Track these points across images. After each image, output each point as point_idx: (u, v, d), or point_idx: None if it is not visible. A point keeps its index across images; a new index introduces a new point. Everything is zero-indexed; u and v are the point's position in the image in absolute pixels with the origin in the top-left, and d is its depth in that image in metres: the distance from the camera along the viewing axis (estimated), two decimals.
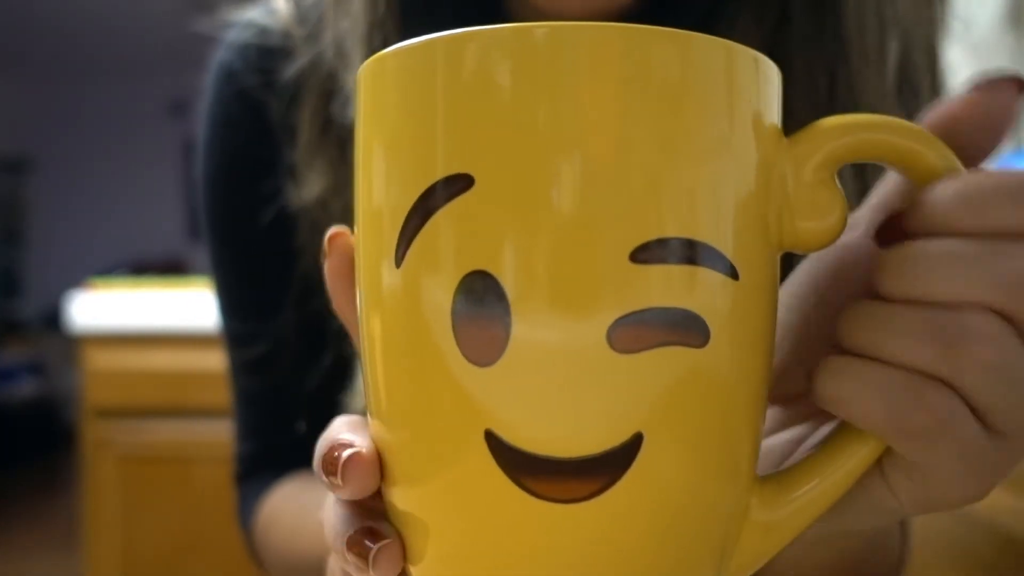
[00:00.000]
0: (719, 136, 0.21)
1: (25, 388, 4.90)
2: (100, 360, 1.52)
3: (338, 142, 0.48)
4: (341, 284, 0.26)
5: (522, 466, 0.21)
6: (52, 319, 4.75)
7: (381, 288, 0.22)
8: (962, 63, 1.64)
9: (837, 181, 0.23)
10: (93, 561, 1.53)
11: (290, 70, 0.48)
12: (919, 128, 0.23)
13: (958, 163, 0.23)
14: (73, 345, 1.57)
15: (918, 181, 0.23)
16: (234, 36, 0.52)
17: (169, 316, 1.52)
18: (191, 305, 1.51)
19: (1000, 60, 1.52)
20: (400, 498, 0.23)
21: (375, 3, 0.43)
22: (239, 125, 0.51)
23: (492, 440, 0.21)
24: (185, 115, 5.86)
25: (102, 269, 3.86)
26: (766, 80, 0.22)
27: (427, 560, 0.23)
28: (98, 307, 1.52)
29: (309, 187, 0.47)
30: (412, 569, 0.24)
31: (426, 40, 0.21)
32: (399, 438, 0.23)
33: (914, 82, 0.44)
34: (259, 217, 0.50)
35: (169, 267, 4.78)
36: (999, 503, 0.70)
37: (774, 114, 0.23)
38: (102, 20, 4.71)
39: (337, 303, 0.27)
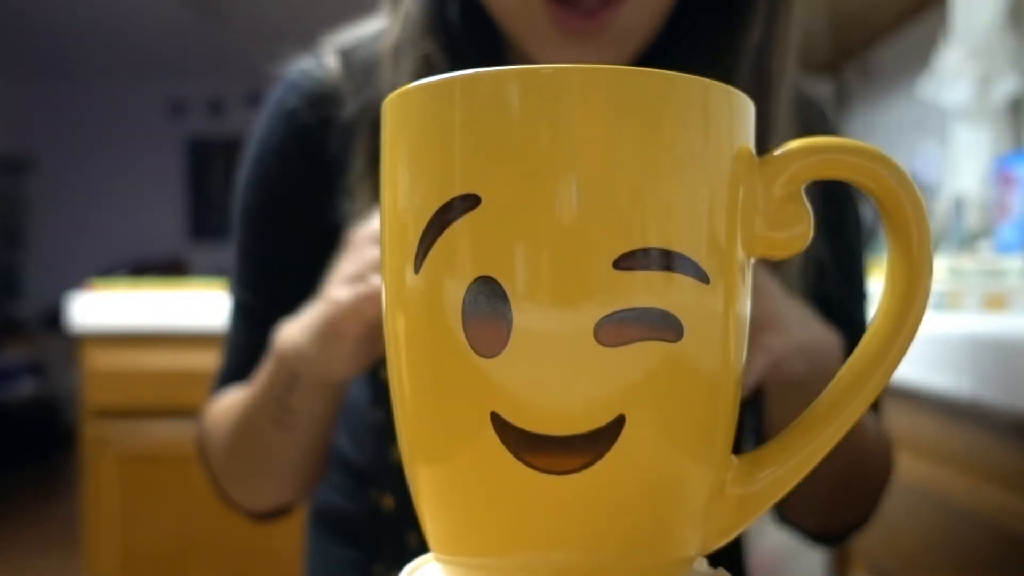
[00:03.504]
0: (696, 160, 0.24)
1: (25, 388, 4.90)
2: (100, 360, 1.52)
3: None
4: None
5: (522, 442, 0.24)
6: (52, 319, 4.75)
7: (403, 290, 0.25)
8: (962, 63, 1.64)
9: (804, 196, 0.26)
10: (93, 561, 1.53)
11: (344, 114, 0.59)
12: (875, 149, 0.26)
13: (911, 181, 0.26)
14: (73, 345, 1.58)
15: (875, 196, 0.26)
16: (291, 80, 0.63)
17: (169, 316, 1.51)
18: (191, 305, 1.51)
19: (1000, 60, 1.52)
20: (421, 471, 0.27)
21: (429, 59, 0.55)
22: (287, 153, 0.61)
23: (497, 420, 0.24)
24: (185, 115, 5.86)
25: (102, 269, 3.86)
26: (739, 111, 0.25)
27: (443, 525, 0.27)
28: (98, 307, 1.52)
29: (359, 205, 0.57)
30: (429, 534, 0.27)
31: (446, 78, 0.24)
32: (419, 418, 0.26)
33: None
34: (288, 222, 0.62)
35: (169, 267, 4.79)
36: (999, 503, 0.70)
37: (747, 139, 0.26)
38: (102, 20, 4.71)
39: None
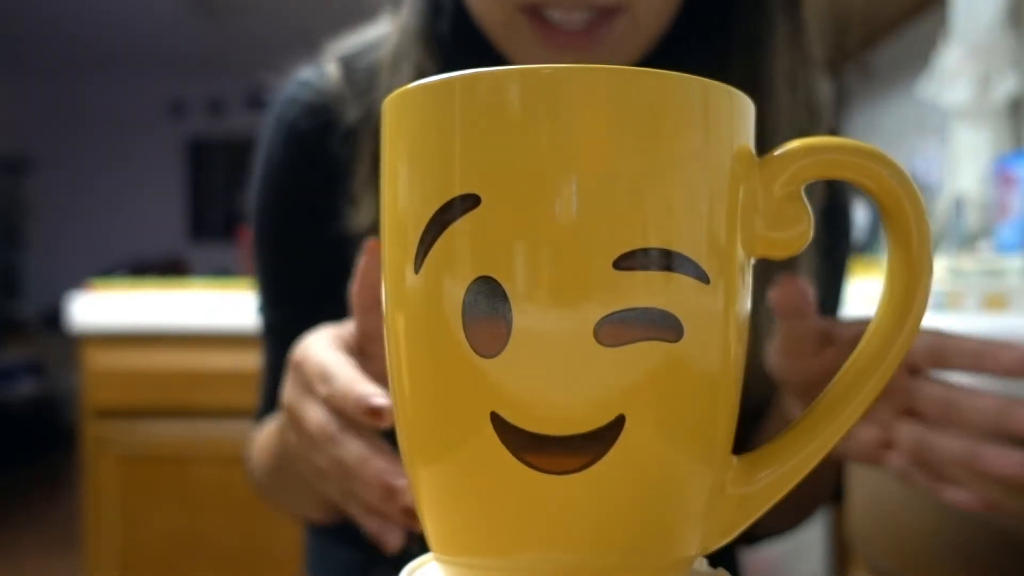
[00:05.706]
0: (696, 160, 0.24)
1: (25, 388, 4.90)
2: (100, 360, 1.52)
3: None
4: (365, 280, 0.38)
5: (522, 442, 0.24)
6: (52, 319, 4.75)
7: (403, 290, 0.25)
8: (962, 63, 1.64)
9: (804, 196, 0.26)
10: (93, 561, 1.53)
11: (347, 120, 0.59)
12: (875, 149, 0.26)
13: (911, 181, 0.26)
14: (73, 345, 1.57)
15: (875, 196, 0.26)
16: (290, 93, 0.63)
17: (169, 316, 1.52)
18: (191, 305, 1.51)
19: (1000, 60, 1.52)
20: (421, 471, 0.27)
21: (421, 69, 0.56)
22: (292, 168, 0.61)
23: (497, 420, 0.24)
24: (185, 115, 5.86)
25: (102, 269, 3.86)
26: (739, 111, 0.25)
27: (443, 525, 0.27)
28: (98, 307, 1.52)
29: (364, 214, 0.57)
30: (429, 534, 0.27)
31: (446, 78, 0.24)
32: (419, 419, 0.26)
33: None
34: (300, 237, 0.62)
35: (169, 267, 4.78)
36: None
37: (747, 139, 0.26)
38: (103, 19, 4.71)
39: (357, 292, 0.39)
